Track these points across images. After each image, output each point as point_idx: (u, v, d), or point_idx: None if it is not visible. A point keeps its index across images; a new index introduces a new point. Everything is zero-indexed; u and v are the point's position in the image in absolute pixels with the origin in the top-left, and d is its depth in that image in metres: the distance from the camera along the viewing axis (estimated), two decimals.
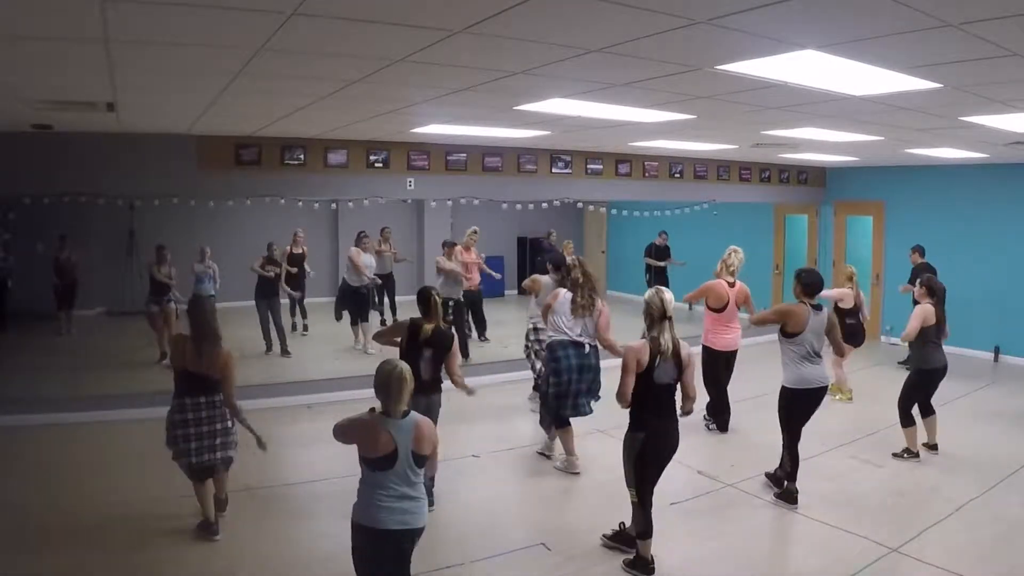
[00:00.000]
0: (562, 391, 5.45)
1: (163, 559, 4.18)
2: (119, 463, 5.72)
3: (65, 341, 9.50)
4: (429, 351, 4.68)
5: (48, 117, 5.60)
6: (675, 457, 4.10)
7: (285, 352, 8.85)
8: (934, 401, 6.00)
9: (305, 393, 7.46)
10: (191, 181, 7.15)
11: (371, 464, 3.09)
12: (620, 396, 3.96)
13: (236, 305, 9.57)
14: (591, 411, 5.61)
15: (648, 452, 4.00)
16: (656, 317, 3.95)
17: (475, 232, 9.24)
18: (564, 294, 5.48)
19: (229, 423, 4.43)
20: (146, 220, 10.70)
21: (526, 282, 7.11)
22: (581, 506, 5.21)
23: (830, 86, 4.25)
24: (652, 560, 4.06)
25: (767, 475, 5.31)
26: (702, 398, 5.37)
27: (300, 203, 8.58)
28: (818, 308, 4.96)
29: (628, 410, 4.01)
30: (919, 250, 8.92)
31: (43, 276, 9.57)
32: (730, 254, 6.64)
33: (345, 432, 3.22)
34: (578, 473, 5.59)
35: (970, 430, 6.60)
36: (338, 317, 9.50)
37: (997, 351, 9.63)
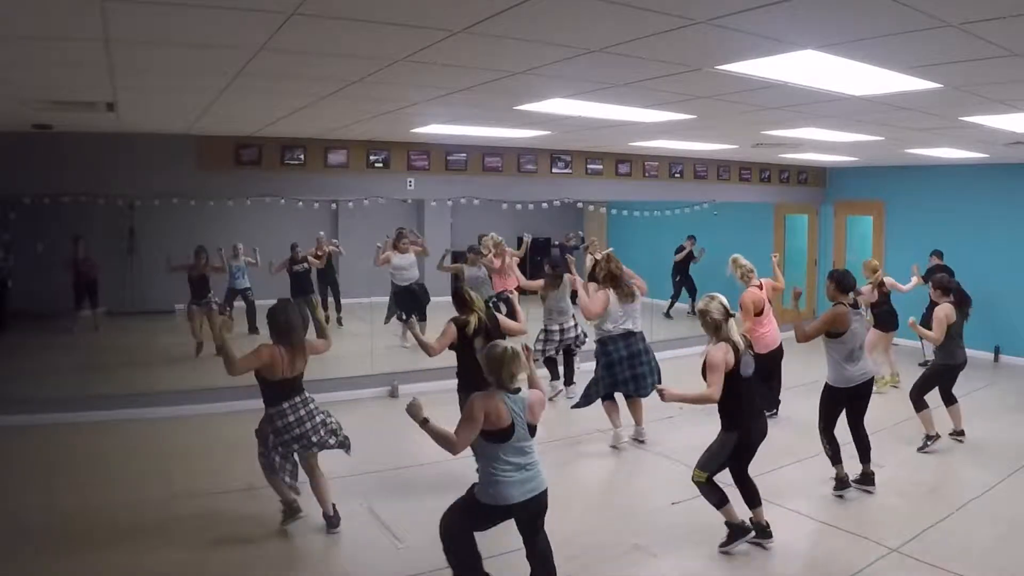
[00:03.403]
0: (616, 379, 5.94)
1: (162, 560, 4.18)
2: (119, 464, 5.72)
3: (65, 341, 9.48)
4: (481, 341, 4.74)
5: (48, 117, 5.60)
6: (677, 456, 4.13)
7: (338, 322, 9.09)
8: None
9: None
10: (191, 181, 7.16)
11: (492, 437, 3.32)
12: (709, 398, 4.11)
13: (238, 304, 9.56)
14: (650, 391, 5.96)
15: (740, 448, 4.21)
16: (722, 319, 4.15)
17: (490, 237, 9.26)
18: (611, 295, 5.95)
19: (319, 416, 4.51)
20: (146, 220, 10.68)
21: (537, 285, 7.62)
22: (581, 507, 5.20)
23: (830, 86, 4.25)
24: (744, 522, 4.28)
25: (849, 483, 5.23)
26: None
27: (300, 203, 8.58)
28: (855, 306, 5.12)
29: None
30: (937, 254, 9.02)
31: (43, 276, 9.54)
32: (739, 268, 6.75)
33: (469, 430, 3.39)
34: (625, 446, 6.07)
35: (970, 430, 6.57)
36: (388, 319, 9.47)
37: (997, 351, 9.63)
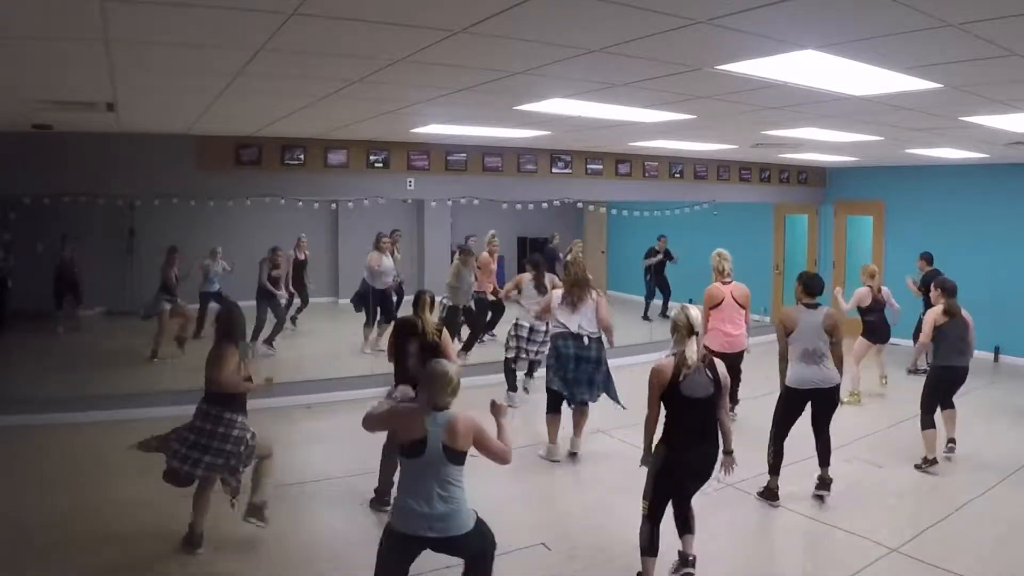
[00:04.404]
0: (561, 376, 5.79)
1: (164, 560, 4.18)
2: (119, 464, 5.70)
3: (65, 341, 9.49)
4: (415, 346, 4.75)
5: (48, 117, 5.61)
6: None
7: (270, 344, 8.91)
8: None
9: (305, 393, 7.45)
10: (191, 181, 7.15)
11: (402, 450, 3.18)
12: (647, 420, 3.88)
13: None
14: (590, 400, 5.93)
15: (666, 469, 3.88)
16: (684, 333, 3.84)
17: (494, 236, 9.29)
18: (557, 294, 6.03)
19: (229, 444, 4.19)
20: (146, 220, 10.69)
21: (509, 286, 7.88)
22: (581, 506, 5.20)
23: (830, 86, 4.25)
24: None
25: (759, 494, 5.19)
26: None
27: (300, 203, 8.58)
28: (813, 307, 5.05)
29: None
30: (927, 258, 8.67)
31: (43, 276, 9.56)
32: (713, 259, 6.68)
33: (379, 421, 3.39)
34: (558, 461, 5.89)
35: (970, 430, 6.57)
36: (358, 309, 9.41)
37: (997, 351, 9.63)
